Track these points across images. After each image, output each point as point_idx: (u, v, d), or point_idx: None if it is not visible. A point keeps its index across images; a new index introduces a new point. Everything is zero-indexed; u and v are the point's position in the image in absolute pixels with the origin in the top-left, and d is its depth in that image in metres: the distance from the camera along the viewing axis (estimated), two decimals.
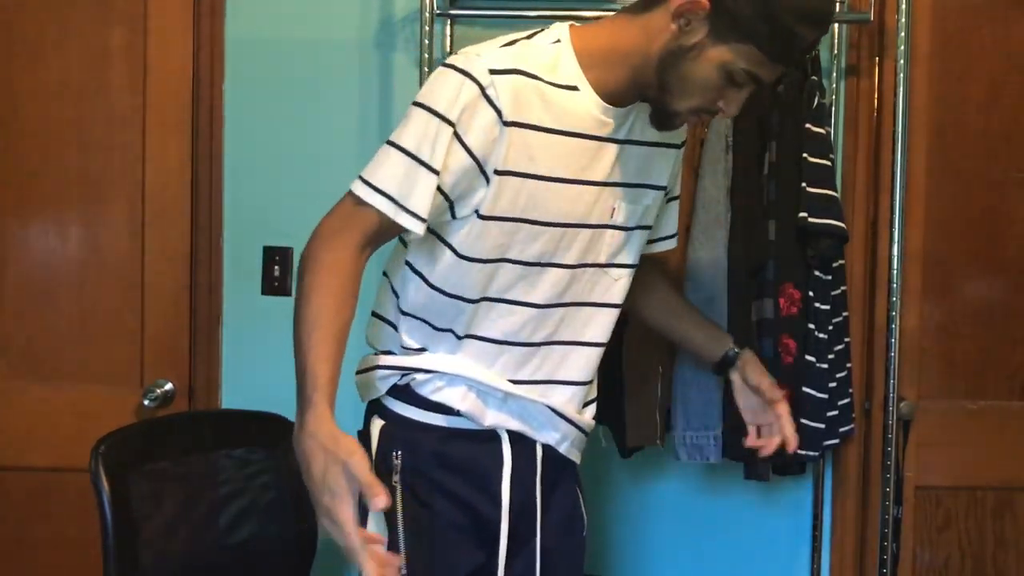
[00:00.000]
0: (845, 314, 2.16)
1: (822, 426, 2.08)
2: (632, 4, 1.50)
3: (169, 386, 2.31)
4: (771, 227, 2.08)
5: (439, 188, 1.41)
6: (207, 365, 2.35)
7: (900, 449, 2.22)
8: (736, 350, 1.74)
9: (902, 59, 2.09)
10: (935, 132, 2.29)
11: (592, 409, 1.68)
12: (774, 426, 1.72)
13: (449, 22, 2.26)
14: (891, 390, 2.13)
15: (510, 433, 1.57)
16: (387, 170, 1.41)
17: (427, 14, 2.12)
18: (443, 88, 1.41)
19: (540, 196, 1.46)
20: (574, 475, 1.70)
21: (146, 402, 2.27)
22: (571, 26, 1.51)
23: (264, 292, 2.35)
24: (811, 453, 2.09)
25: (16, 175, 2.31)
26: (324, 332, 1.37)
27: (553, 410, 1.59)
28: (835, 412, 2.12)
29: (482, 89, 1.40)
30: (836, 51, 2.28)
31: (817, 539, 2.34)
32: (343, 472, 1.27)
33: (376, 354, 1.60)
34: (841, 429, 2.15)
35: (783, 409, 1.71)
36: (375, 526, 1.55)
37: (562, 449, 1.63)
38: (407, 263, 1.55)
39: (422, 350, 1.55)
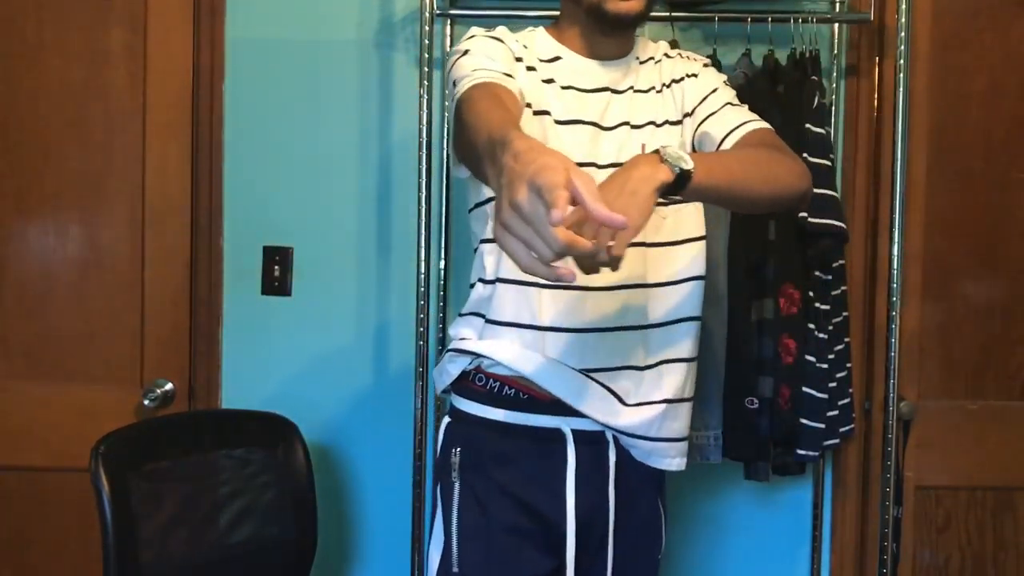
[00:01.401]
0: (845, 314, 2.16)
1: (822, 426, 2.09)
2: None
3: (169, 386, 2.31)
4: (771, 227, 2.08)
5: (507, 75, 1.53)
6: (207, 365, 2.35)
7: (900, 449, 2.22)
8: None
9: (902, 59, 2.09)
10: (935, 132, 2.30)
11: (683, 420, 1.63)
12: None
13: (449, 22, 2.26)
14: (891, 390, 2.13)
15: (575, 433, 1.56)
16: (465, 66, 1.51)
17: (427, 14, 2.12)
18: (473, 33, 1.61)
19: (562, 137, 1.55)
20: (658, 487, 1.66)
21: (146, 402, 2.27)
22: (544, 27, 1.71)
23: (264, 292, 2.35)
24: (811, 453, 2.09)
25: (16, 175, 2.31)
26: (495, 114, 1.36)
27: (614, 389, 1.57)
28: (835, 412, 2.12)
29: (491, 35, 1.60)
30: (836, 51, 2.28)
31: (817, 539, 2.35)
32: (559, 158, 1.12)
33: (454, 341, 1.64)
34: (841, 429, 2.16)
35: None
36: (437, 522, 1.59)
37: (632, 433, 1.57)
38: (482, 241, 1.62)
39: (509, 325, 1.55)
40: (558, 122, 1.57)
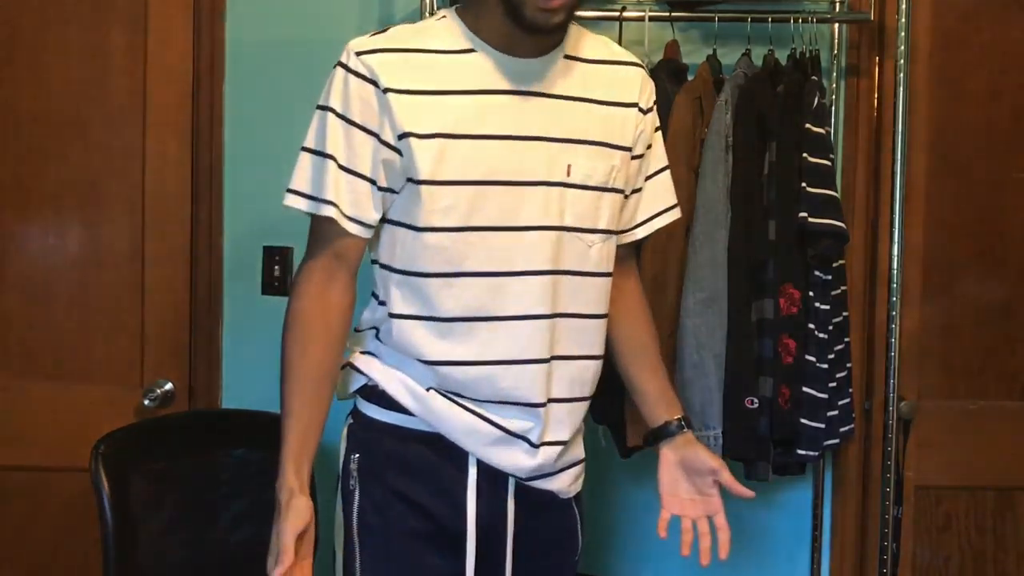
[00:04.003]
0: (845, 314, 2.16)
1: (822, 426, 2.09)
2: None
3: (169, 386, 2.31)
4: (771, 227, 2.08)
5: (354, 172, 1.45)
6: (207, 365, 2.35)
7: (900, 449, 2.22)
8: (681, 424, 1.62)
9: (902, 59, 2.09)
10: (935, 132, 2.30)
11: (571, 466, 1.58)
12: (701, 521, 1.61)
13: None
14: (891, 390, 2.13)
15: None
16: (299, 172, 1.52)
17: (427, 14, 2.11)
18: (330, 84, 1.48)
19: (468, 153, 1.44)
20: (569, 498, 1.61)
21: (146, 402, 2.27)
22: (457, 6, 1.53)
23: (264, 292, 2.35)
24: (811, 453, 2.09)
25: (16, 175, 2.31)
26: (291, 383, 1.47)
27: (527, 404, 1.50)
28: (835, 412, 2.13)
29: (351, 70, 1.45)
30: (836, 51, 2.28)
31: (817, 539, 2.35)
32: (291, 523, 1.42)
33: (352, 356, 1.58)
34: (841, 429, 2.16)
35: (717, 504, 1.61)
36: (337, 530, 1.57)
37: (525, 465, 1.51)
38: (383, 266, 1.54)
39: (402, 353, 1.50)
40: (459, 137, 1.44)
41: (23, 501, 2.32)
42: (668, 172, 1.68)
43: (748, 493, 1.61)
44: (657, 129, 1.66)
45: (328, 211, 1.45)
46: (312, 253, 1.51)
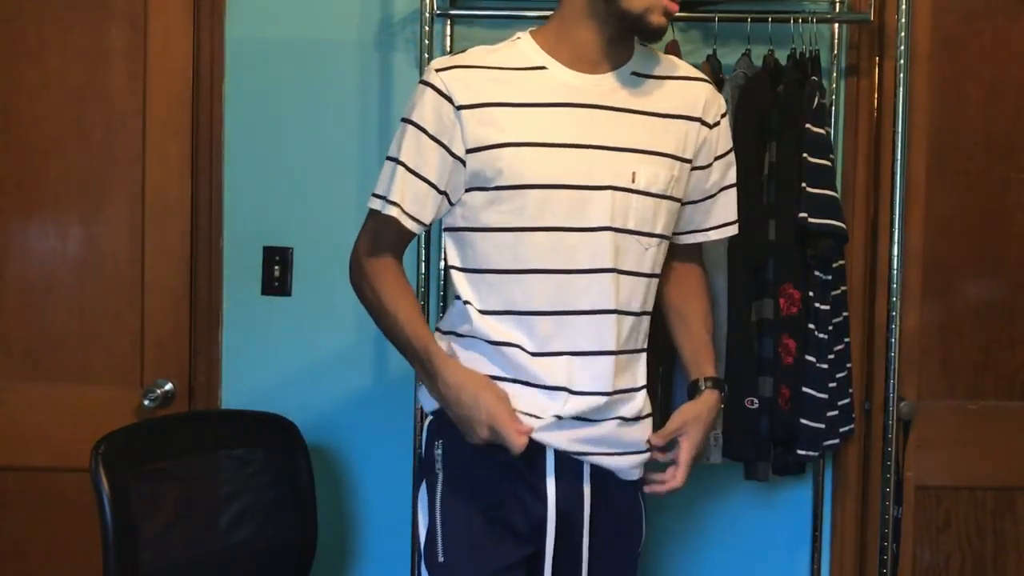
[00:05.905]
0: (845, 314, 2.16)
1: (822, 426, 2.09)
2: None
3: (169, 386, 2.31)
4: (771, 227, 2.08)
5: (418, 175, 1.59)
6: (207, 365, 2.35)
7: (900, 449, 2.22)
8: (701, 386, 1.71)
9: (902, 59, 2.09)
10: (935, 132, 2.30)
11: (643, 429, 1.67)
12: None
13: (449, 22, 2.26)
14: (891, 390, 2.13)
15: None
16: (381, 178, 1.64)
17: (427, 14, 2.12)
18: (412, 98, 1.62)
19: (537, 160, 1.56)
20: (636, 480, 1.68)
21: (146, 402, 2.27)
22: (532, 28, 1.67)
23: (264, 292, 2.35)
24: (811, 453, 2.09)
25: (16, 175, 2.31)
26: (406, 308, 1.62)
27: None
28: (835, 412, 2.13)
29: (432, 86, 1.58)
30: (836, 51, 2.28)
31: (817, 539, 2.35)
32: (493, 392, 1.55)
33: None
34: (841, 429, 2.16)
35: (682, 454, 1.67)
36: (422, 514, 1.65)
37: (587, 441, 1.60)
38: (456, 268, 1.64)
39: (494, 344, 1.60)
40: (528, 145, 1.55)
41: (23, 501, 2.32)
42: (735, 190, 1.79)
43: (660, 489, 1.67)
44: (731, 150, 1.76)
45: (392, 211, 1.59)
46: (372, 239, 1.65)
